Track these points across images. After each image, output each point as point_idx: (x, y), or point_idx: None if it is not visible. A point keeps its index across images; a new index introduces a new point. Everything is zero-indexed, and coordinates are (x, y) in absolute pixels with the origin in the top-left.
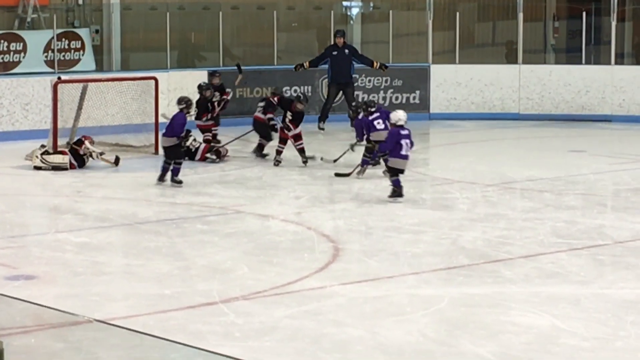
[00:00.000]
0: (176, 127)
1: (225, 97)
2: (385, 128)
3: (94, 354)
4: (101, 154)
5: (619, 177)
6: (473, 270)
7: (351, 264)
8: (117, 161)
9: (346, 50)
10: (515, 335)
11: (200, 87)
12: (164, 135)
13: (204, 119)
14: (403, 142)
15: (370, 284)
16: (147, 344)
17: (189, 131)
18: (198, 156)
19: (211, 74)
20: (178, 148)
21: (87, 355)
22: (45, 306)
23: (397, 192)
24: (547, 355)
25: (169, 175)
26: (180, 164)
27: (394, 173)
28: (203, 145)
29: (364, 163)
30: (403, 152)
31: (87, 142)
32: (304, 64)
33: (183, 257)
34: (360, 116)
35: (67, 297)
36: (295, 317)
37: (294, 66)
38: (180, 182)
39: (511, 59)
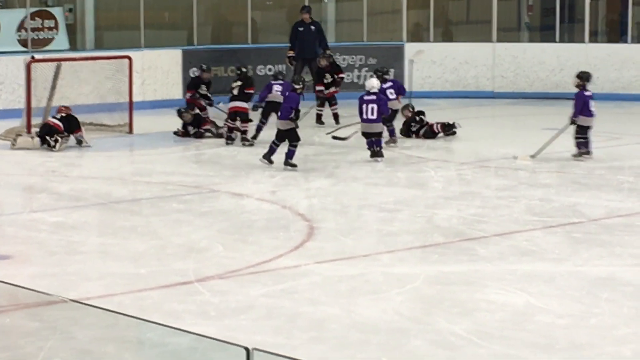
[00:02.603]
0: (292, 109)
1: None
2: (396, 98)
3: (69, 333)
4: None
5: (592, 154)
6: (448, 248)
7: (326, 243)
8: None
9: (312, 27)
10: (490, 313)
11: (201, 67)
12: (280, 118)
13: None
14: (363, 107)
15: (345, 263)
16: (123, 323)
17: (298, 111)
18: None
19: (324, 57)
20: (295, 130)
21: (63, 335)
22: (20, 286)
23: (376, 152)
24: (522, 332)
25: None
26: (295, 146)
27: (365, 136)
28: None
29: (392, 134)
30: (364, 117)
31: (83, 132)
32: (290, 54)
33: (158, 236)
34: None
35: (42, 277)
36: (271, 295)
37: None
38: (294, 165)
39: (447, 37)
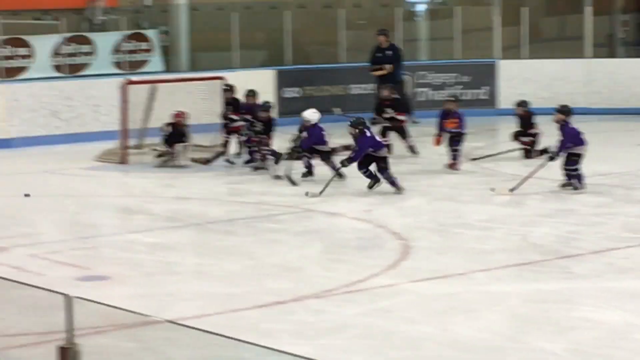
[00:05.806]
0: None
1: None
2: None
3: (165, 353)
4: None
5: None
6: (543, 266)
7: (421, 262)
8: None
9: (388, 52)
10: (586, 331)
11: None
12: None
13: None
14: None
15: (440, 281)
16: (218, 344)
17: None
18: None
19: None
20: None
21: (159, 355)
22: (116, 307)
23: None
24: (619, 350)
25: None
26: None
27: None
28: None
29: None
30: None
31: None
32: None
33: (253, 256)
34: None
35: (139, 297)
36: (366, 314)
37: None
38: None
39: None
